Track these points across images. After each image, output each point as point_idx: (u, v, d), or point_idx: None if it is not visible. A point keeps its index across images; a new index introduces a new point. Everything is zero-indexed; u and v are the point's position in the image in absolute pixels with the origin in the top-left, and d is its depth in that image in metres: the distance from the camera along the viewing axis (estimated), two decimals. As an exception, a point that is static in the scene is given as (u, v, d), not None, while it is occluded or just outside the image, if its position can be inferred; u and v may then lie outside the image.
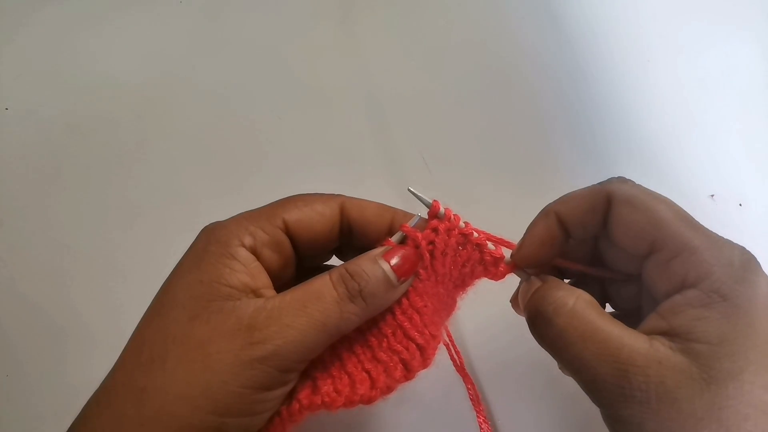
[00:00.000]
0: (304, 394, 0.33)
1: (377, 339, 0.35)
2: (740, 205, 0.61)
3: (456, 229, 0.36)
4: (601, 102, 0.65)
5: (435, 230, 0.36)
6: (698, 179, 0.61)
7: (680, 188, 0.61)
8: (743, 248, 0.31)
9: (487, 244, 0.37)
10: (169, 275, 0.33)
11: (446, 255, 0.36)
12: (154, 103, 0.64)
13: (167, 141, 0.63)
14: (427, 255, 0.36)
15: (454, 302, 0.40)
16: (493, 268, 0.38)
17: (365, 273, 0.33)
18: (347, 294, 0.32)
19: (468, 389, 0.45)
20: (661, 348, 0.29)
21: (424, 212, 0.37)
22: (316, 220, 0.35)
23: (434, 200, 0.37)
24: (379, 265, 0.33)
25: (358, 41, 0.68)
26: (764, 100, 0.65)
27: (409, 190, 0.37)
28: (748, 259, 0.30)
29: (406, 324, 0.35)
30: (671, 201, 0.33)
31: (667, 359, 0.28)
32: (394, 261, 0.34)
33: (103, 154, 0.62)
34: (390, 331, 0.35)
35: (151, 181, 0.61)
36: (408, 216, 0.38)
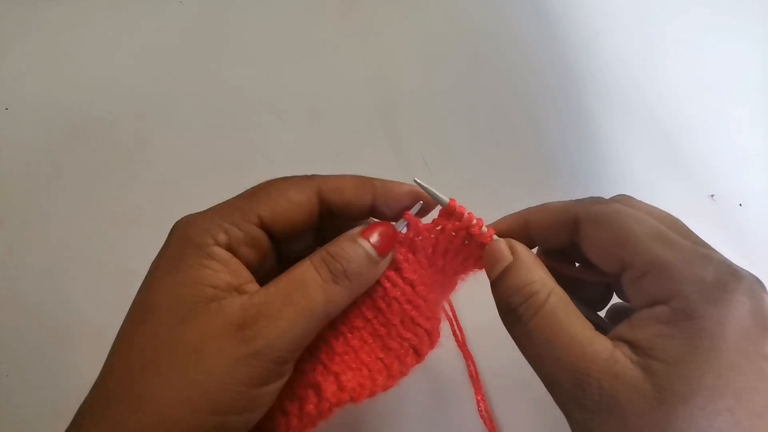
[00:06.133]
0: (330, 392, 0.33)
1: (386, 328, 0.35)
2: (740, 205, 0.61)
3: (465, 230, 0.36)
4: (601, 102, 0.65)
5: (442, 229, 0.36)
6: (698, 179, 0.61)
7: (680, 188, 0.61)
8: (724, 264, 0.29)
9: (492, 241, 0.36)
10: (146, 278, 0.33)
11: (449, 252, 0.36)
12: (154, 103, 0.64)
13: (167, 141, 0.63)
14: (430, 248, 0.36)
15: (455, 284, 0.40)
16: None
17: (346, 252, 0.32)
18: (331, 276, 0.32)
19: (468, 366, 0.45)
20: (621, 360, 0.29)
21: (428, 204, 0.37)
22: (293, 210, 0.35)
23: (452, 199, 0.36)
24: (360, 244, 0.33)
25: (359, 41, 0.68)
26: (764, 100, 0.65)
27: (415, 181, 0.36)
28: (725, 277, 0.28)
29: (414, 312, 0.36)
30: (649, 216, 0.32)
31: (623, 373, 0.28)
32: (373, 239, 0.34)
33: (103, 154, 0.62)
34: (398, 320, 0.35)
35: (150, 180, 0.61)
36: (387, 185, 0.37)
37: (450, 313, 0.43)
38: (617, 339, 0.30)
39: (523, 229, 0.36)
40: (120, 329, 0.32)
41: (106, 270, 0.57)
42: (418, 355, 0.36)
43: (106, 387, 0.30)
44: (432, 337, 0.36)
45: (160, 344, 0.29)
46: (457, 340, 0.44)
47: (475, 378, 0.45)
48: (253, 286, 0.33)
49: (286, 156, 0.62)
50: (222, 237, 0.33)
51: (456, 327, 0.44)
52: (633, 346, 0.29)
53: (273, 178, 0.63)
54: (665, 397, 0.27)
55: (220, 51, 0.67)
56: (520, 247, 0.34)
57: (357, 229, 0.35)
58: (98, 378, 0.31)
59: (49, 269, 0.57)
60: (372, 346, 0.35)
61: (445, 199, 0.36)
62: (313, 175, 0.37)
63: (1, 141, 0.62)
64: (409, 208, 0.36)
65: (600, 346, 0.29)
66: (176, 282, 0.31)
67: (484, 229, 0.36)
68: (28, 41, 0.67)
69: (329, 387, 0.33)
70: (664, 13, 0.69)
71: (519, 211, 0.37)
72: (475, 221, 0.36)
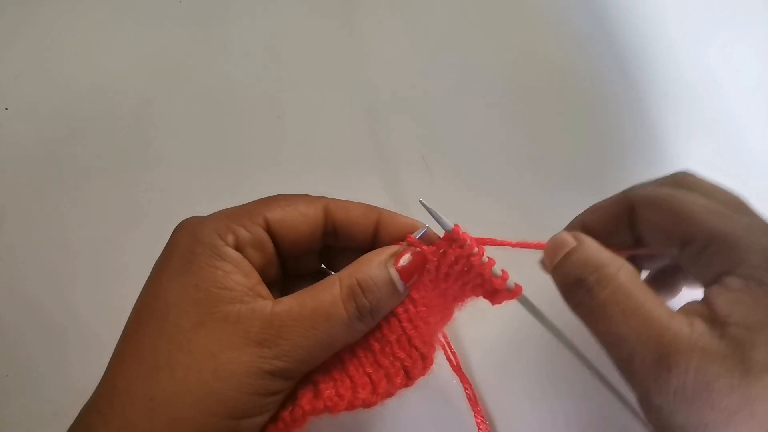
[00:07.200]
0: (306, 400, 0.32)
1: (380, 344, 0.35)
2: (740, 205, 0.60)
3: (466, 258, 0.35)
4: (602, 102, 0.65)
5: (444, 253, 0.35)
6: (698, 179, 0.61)
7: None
8: None
9: (491, 273, 0.35)
10: (153, 277, 0.32)
11: (449, 277, 0.36)
12: (153, 103, 0.64)
13: (167, 141, 0.63)
14: (434, 271, 0.35)
15: (453, 312, 0.39)
16: (493, 299, 0.37)
17: (376, 288, 0.32)
18: (357, 314, 0.32)
19: (465, 389, 0.44)
20: (704, 334, 0.27)
21: (431, 224, 0.36)
22: (300, 220, 0.35)
23: (456, 225, 0.35)
24: (389, 272, 0.33)
25: (360, 41, 0.68)
26: (764, 100, 0.65)
27: (420, 202, 0.35)
28: None
29: (412, 332, 0.35)
30: (704, 194, 0.32)
31: (709, 347, 0.27)
32: (402, 263, 0.33)
33: (103, 154, 0.62)
34: (394, 337, 0.35)
35: (150, 180, 0.61)
36: (393, 216, 0.37)
37: (442, 338, 0.42)
38: (692, 313, 0.29)
39: (586, 230, 0.36)
40: (126, 327, 0.32)
41: (106, 270, 0.57)
42: (409, 377, 0.35)
43: (116, 386, 0.30)
44: (426, 363, 0.35)
45: (174, 346, 0.29)
46: (451, 365, 0.43)
47: (473, 400, 0.44)
48: (263, 288, 0.33)
49: (286, 156, 0.62)
50: (230, 238, 0.33)
51: (449, 351, 0.43)
52: (708, 320, 0.28)
53: (272, 177, 0.63)
54: (752, 366, 0.26)
55: (220, 51, 0.67)
56: (583, 235, 0.34)
57: (387, 253, 0.34)
58: (106, 375, 0.31)
59: (49, 269, 0.57)
60: (362, 360, 0.34)
61: (450, 224, 0.35)
62: (322, 196, 0.37)
63: (1, 141, 0.62)
64: (411, 233, 0.36)
65: (679, 320, 0.28)
66: (189, 284, 0.31)
67: (485, 258, 0.35)
68: (28, 41, 0.67)
69: (305, 394, 0.33)
70: (664, 14, 0.69)
71: (571, 221, 0.37)
72: (476, 250, 0.35)
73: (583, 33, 0.68)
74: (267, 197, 0.36)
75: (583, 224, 0.36)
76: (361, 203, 0.37)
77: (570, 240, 0.34)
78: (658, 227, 0.33)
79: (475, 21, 0.69)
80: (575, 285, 0.32)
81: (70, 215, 0.59)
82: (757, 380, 0.25)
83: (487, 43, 0.68)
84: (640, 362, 0.28)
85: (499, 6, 0.69)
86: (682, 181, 0.34)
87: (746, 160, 0.61)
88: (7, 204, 0.60)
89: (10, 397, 0.52)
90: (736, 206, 0.32)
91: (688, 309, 0.29)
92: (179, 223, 0.34)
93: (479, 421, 0.44)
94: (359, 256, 0.36)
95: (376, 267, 0.33)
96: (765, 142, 0.62)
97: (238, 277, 0.32)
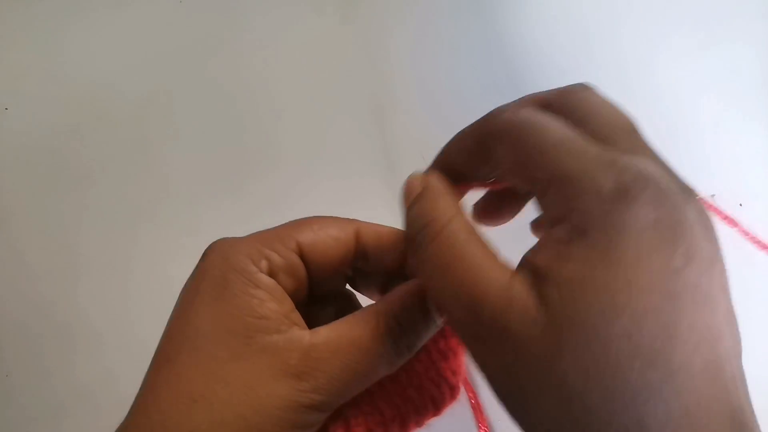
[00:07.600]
0: None
1: (407, 375, 0.34)
2: (740, 205, 0.61)
3: None
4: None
5: None
6: (698, 179, 0.61)
7: (680, 188, 0.61)
8: (629, 170, 0.24)
9: None
10: (184, 303, 0.31)
11: None
12: (154, 103, 0.64)
13: (167, 141, 0.63)
14: None
15: None
16: None
17: (413, 321, 0.31)
18: (395, 348, 0.31)
19: (470, 398, 0.44)
20: (516, 287, 0.25)
21: None
22: (331, 245, 0.33)
23: None
24: (427, 304, 0.32)
25: (360, 40, 0.68)
26: (764, 100, 0.65)
27: None
28: (627, 185, 0.24)
29: (443, 364, 0.34)
30: (582, 117, 0.27)
31: (518, 300, 0.24)
32: None
33: (103, 154, 0.62)
34: (423, 368, 0.34)
35: (151, 181, 0.61)
36: None
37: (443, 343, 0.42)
38: (523, 266, 0.26)
39: (444, 173, 0.33)
40: (157, 355, 0.31)
41: (106, 270, 0.57)
42: (437, 408, 0.34)
43: (151, 419, 0.29)
44: (454, 393, 0.34)
45: (211, 378, 0.29)
46: None
47: (477, 409, 0.43)
48: (297, 316, 0.32)
49: (286, 156, 0.62)
50: (264, 263, 0.32)
51: None
52: (534, 272, 0.25)
53: (272, 177, 0.63)
54: (557, 324, 0.23)
55: (220, 51, 0.67)
56: (433, 179, 0.32)
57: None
58: (137, 406, 0.30)
59: (49, 269, 0.57)
60: (389, 392, 0.33)
61: None
62: (353, 219, 0.36)
63: (1, 141, 0.62)
64: None
65: (498, 272, 0.26)
66: (224, 312, 0.30)
67: None
68: (28, 41, 0.67)
69: (335, 428, 0.32)
70: (663, 14, 0.69)
71: (440, 151, 0.34)
72: None
73: (583, 30, 0.68)
74: (298, 220, 0.35)
75: (444, 159, 0.33)
76: (391, 228, 0.36)
77: (416, 186, 0.31)
78: (508, 165, 0.28)
79: (475, 19, 0.69)
80: (408, 243, 0.30)
81: (73, 214, 0.59)
82: (564, 337, 0.23)
83: (488, 41, 0.68)
84: (456, 315, 0.27)
85: (499, 4, 0.69)
86: (567, 97, 0.29)
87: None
88: (9, 204, 0.60)
89: (11, 397, 0.52)
90: (616, 134, 0.27)
91: (524, 259, 0.26)
92: (209, 246, 0.33)
93: (483, 431, 0.43)
94: (385, 278, 0.35)
95: (416, 307, 0.32)
96: (699, 150, 0.62)
97: (273, 304, 0.31)
